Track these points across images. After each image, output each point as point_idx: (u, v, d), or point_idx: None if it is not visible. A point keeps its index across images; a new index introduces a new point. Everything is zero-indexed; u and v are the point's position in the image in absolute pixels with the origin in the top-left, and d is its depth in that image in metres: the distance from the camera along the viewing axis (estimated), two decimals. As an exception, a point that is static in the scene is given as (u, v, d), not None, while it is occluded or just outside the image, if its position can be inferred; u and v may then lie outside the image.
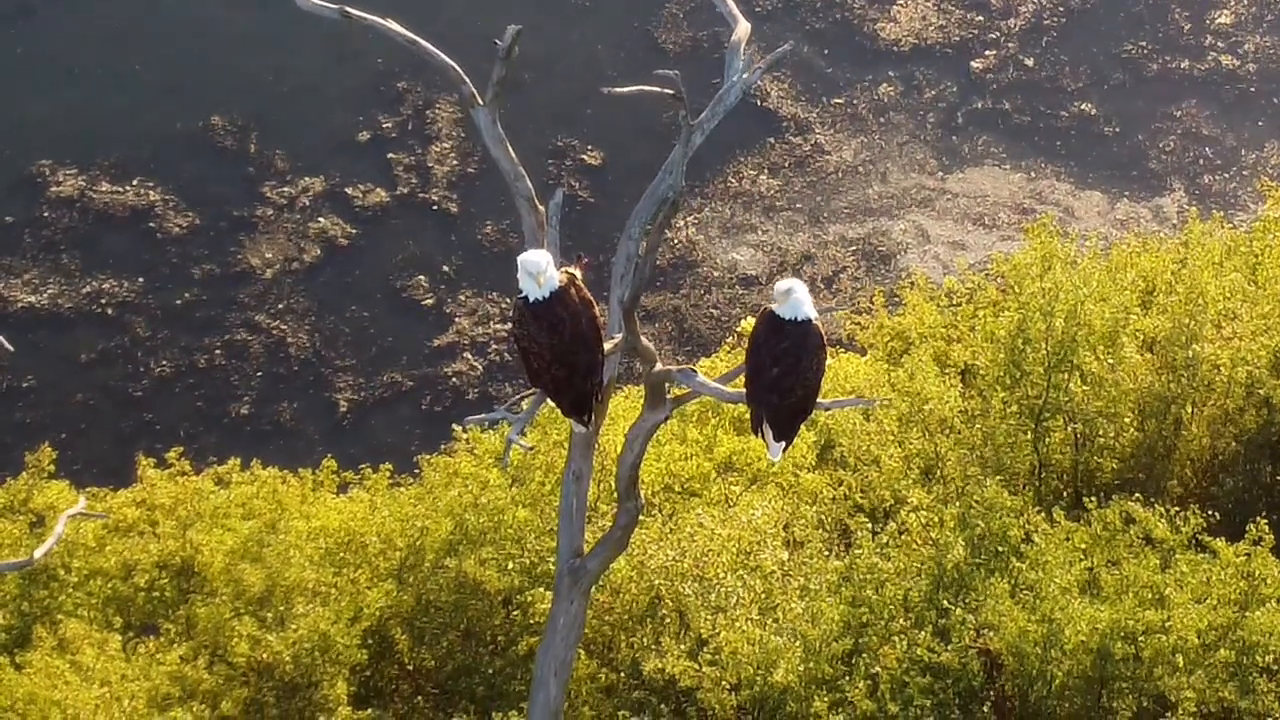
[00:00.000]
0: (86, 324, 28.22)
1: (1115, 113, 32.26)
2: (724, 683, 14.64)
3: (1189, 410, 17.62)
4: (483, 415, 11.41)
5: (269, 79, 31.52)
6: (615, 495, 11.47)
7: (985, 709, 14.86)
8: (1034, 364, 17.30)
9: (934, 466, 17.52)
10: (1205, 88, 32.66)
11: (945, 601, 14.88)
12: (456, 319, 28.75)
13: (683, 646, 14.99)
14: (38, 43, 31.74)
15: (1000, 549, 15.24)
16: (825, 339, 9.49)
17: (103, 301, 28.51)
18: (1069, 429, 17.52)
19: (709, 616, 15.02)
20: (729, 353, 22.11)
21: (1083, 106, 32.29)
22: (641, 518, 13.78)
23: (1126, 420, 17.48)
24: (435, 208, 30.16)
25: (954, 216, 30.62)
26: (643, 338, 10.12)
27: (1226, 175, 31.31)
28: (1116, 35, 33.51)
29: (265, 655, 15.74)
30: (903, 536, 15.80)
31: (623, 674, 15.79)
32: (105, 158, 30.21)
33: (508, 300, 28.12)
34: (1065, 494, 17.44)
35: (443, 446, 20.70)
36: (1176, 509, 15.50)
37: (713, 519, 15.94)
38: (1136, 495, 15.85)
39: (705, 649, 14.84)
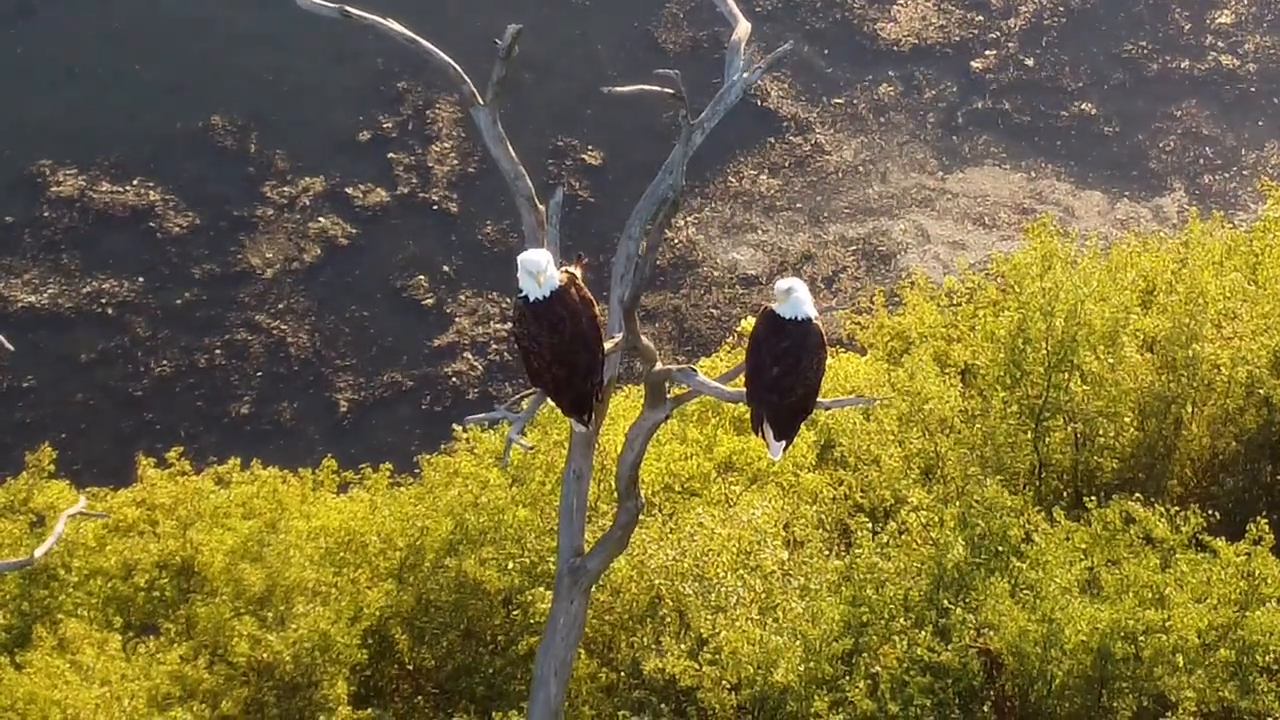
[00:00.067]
0: (86, 324, 28.23)
1: (1115, 112, 32.26)
2: (724, 682, 14.64)
3: (1189, 410, 17.62)
4: (483, 415, 11.41)
5: (269, 79, 31.52)
6: (615, 495, 11.47)
7: (985, 708, 14.86)
8: (1034, 364, 17.30)
9: (934, 466, 17.52)
10: (1205, 87, 32.66)
11: (945, 601, 14.88)
12: (457, 319, 28.75)
13: (683, 646, 14.99)
14: (38, 43, 31.75)
15: (1000, 549, 15.24)
16: (825, 338, 9.48)
17: (103, 301, 28.51)
18: (1069, 429, 17.52)
19: (709, 616, 15.02)
20: (729, 352, 22.12)
21: (1083, 106, 32.29)
22: (642, 517, 13.78)
23: (1127, 420, 17.48)
24: (435, 207, 30.16)
25: (954, 216, 30.63)
26: (643, 337, 10.11)
27: (1227, 175, 31.31)
28: (1116, 35, 33.51)
29: (265, 655, 15.74)
30: (903, 536, 15.80)
31: (623, 673, 15.79)
32: (105, 157, 30.22)
33: (508, 300, 28.12)
34: (1065, 494, 17.44)
35: (443, 446, 20.70)
36: (1177, 509, 15.51)
37: (713, 518, 15.94)
38: (1137, 495, 15.86)
39: (705, 648, 14.84)
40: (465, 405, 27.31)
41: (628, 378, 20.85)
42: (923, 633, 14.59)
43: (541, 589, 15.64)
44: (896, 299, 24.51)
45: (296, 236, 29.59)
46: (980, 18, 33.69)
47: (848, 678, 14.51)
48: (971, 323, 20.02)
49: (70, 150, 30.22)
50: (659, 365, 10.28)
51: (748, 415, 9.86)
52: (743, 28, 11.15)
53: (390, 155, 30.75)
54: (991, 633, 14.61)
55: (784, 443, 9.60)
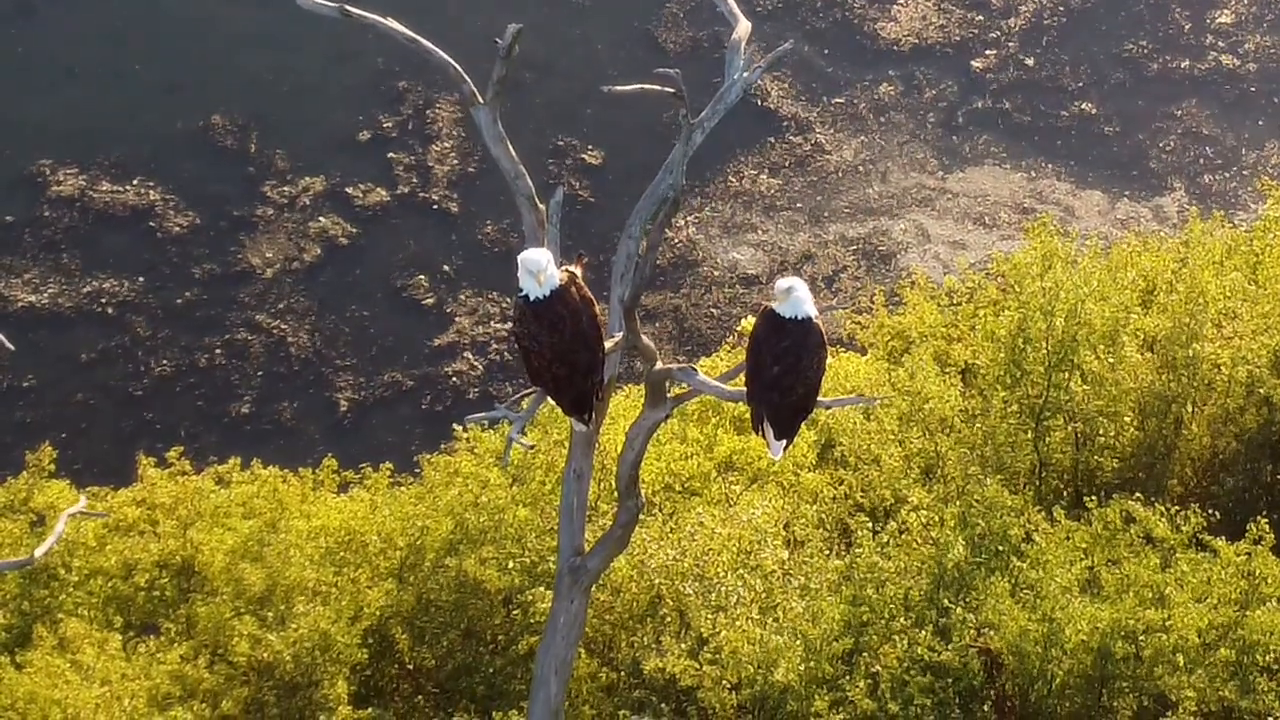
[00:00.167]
0: (87, 323, 28.23)
1: (1115, 112, 32.26)
2: (724, 682, 14.63)
3: (1189, 409, 17.62)
4: (483, 414, 11.41)
5: (269, 79, 31.52)
6: (616, 494, 11.47)
7: (986, 708, 14.86)
8: (1034, 363, 17.30)
9: (934, 466, 17.52)
10: (1205, 87, 32.66)
11: (946, 601, 14.88)
12: (457, 318, 28.76)
13: (683, 645, 14.98)
14: (38, 43, 31.75)
15: (1001, 548, 15.24)
16: (826, 338, 9.48)
17: (103, 301, 28.51)
18: (1069, 428, 17.52)
19: (709, 615, 15.02)
20: (729, 352, 22.12)
21: (1083, 106, 32.29)
22: (642, 517, 13.78)
23: (1127, 419, 17.48)
24: (435, 207, 30.16)
25: (954, 216, 30.63)
26: (643, 336, 10.12)
27: (1227, 175, 31.32)
28: (1117, 35, 33.51)
29: (266, 654, 15.74)
30: (903, 536, 15.80)
31: (623, 673, 15.79)
32: (105, 157, 30.22)
33: (508, 299, 28.12)
34: (1065, 493, 17.45)
35: (443, 446, 20.70)
36: (1177, 508, 15.51)
37: (713, 518, 15.93)
38: (1137, 494, 15.86)
39: (706, 648, 14.84)
40: (465, 405, 27.31)
41: (628, 377, 20.85)
42: (923, 632, 14.58)
43: (542, 588, 15.64)
44: (897, 298, 24.52)
45: (296, 236, 29.59)
46: (980, 17, 33.69)
47: (848, 677, 14.50)
48: (972, 322, 20.03)
49: (70, 150, 30.22)
50: (659, 364, 10.29)
51: (748, 414, 9.86)
52: (743, 27, 11.15)
53: (390, 155, 30.75)
54: (992, 632, 14.61)
55: (784, 442, 9.60)
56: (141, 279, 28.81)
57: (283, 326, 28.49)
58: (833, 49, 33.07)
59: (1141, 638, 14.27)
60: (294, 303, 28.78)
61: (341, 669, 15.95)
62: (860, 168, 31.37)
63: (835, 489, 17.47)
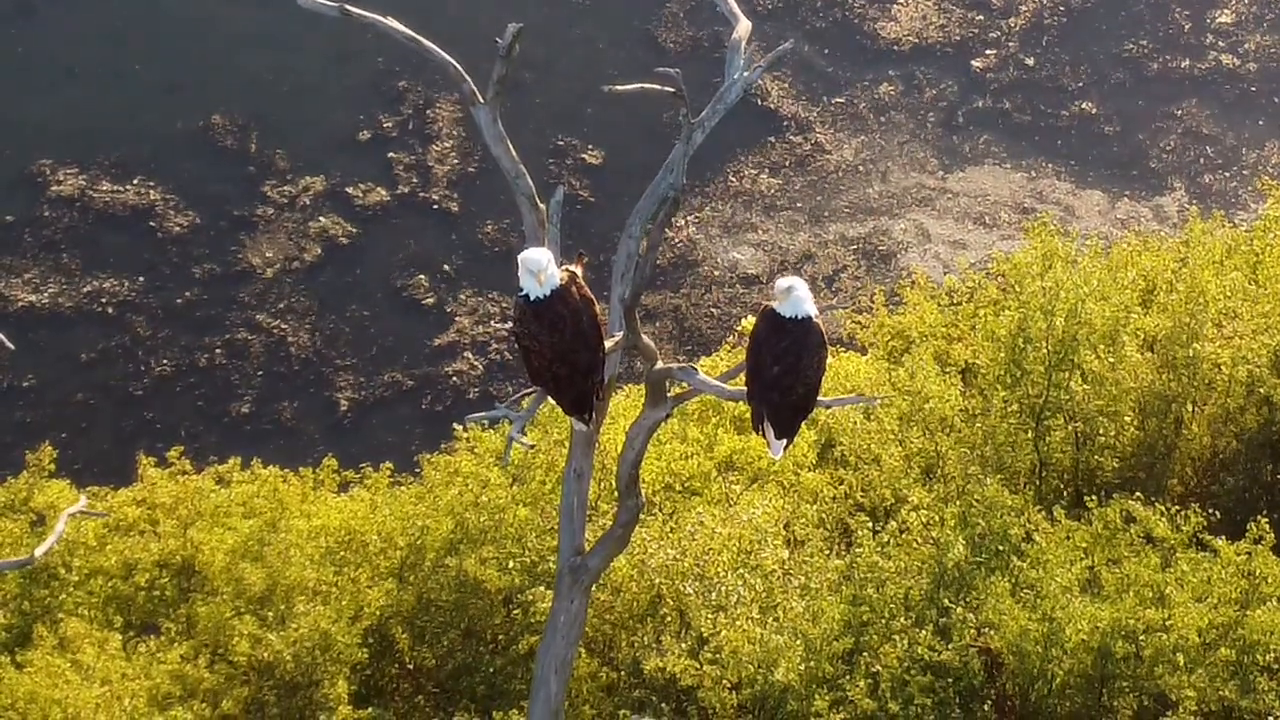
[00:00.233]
0: (87, 323, 28.23)
1: (1116, 112, 32.26)
2: (725, 681, 14.63)
3: (1190, 409, 17.62)
4: (483, 414, 11.43)
5: (269, 79, 31.52)
6: (616, 494, 11.47)
7: (986, 708, 14.86)
8: (1034, 363, 17.30)
9: (935, 465, 17.52)
10: (1206, 87, 32.66)
11: (946, 600, 14.88)
12: (457, 318, 28.76)
13: (683, 645, 14.98)
14: (38, 43, 31.74)
15: (1001, 548, 15.23)
16: (826, 337, 9.48)
17: (103, 300, 28.51)
18: (1069, 428, 17.52)
19: (710, 615, 15.02)
20: (730, 351, 22.11)
21: (1083, 106, 32.29)
22: (642, 516, 13.78)
23: (1127, 419, 17.48)
24: (436, 207, 30.16)
25: (954, 215, 30.63)
26: (643, 336, 10.12)
27: (1227, 174, 31.32)
28: (1117, 35, 33.51)
29: (266, 654, 15.73)
30: (903, 535, 15.79)
31: (623, 672, 15.78)
32: (106, 157, 30.22)
33: (508, 299, 28.12)
34: (1066, 493, 17.44)
35: (443, 445, 20.70)
36: (1177, 508, 15.50)
37: (713, 518, 15.93)
38: (1137, 494, 15.86)
39: (706, 648, 14.83)
40: (466, 404, 27.31)
41: (628, 377, 20.86)
42: (923, 632, 14.58)
43: (542, 588, 15.64)
44: (897, 298, 24.51)
45: (297, 236, 29.59)
46: (981, 17, 33.69)
47: (848, 677, 14.50)
48: (972, 322, 20.02)
49: (70, 150, 30.22)
50: (659, 364, 10.29)
51: (748, 414, 9.86)
52: (743, 27, 11.16)
53: (390, 155, 30.75)
54: (992, 632, 14.61)
55: (784, 441, 9.60)
56: (141, 279, 28.81)
57: (283, 326, 28.49)
58: (833, 49, 33.07)
59: (1142, 637, 14.27)
60: (294, 302, 28.78)
61: (342, 669, 15.95)
62: (860, 167, 31.37)
63: (835, 489, 17.47)
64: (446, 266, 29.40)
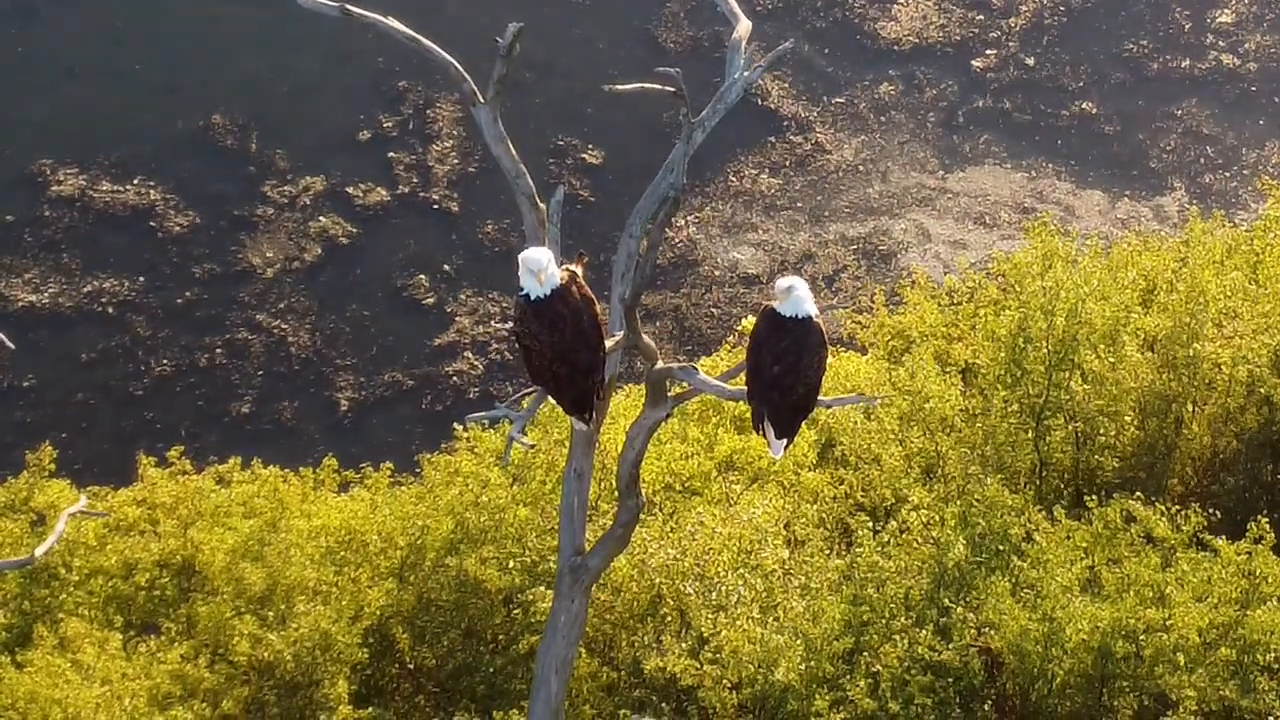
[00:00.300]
0: (87, 323, 28.23)
1: (1116, 112, 32.26)
2: (725, 681, 14.63)
3: (1190, 409, 17.62)
4: (484, 413, 11.43)
5: (269, 78, 31.52)
6: (616, 493, 11.47)
7: (986, 707, 14.86)
8: (1035, 362, 17.30)
9: (935, 465, 17.52)
10: (1206, 87, 32.66)
11: (946, 600, 14.88)
12: (457, 318, 28.75)
13: (684, 645, 14.98)
14: (38, 43, 31.74)
15: (1001, 548, 15.23)
16: (826, 337, 9.48)
17: (103, 300, 28.51)
18: (1070, 427, 17.52)
19: (710, 615, 15.02)
20: (730, 351, 22.11)
21: (1083, 105, 32.29)
22: (642, 516, 13.78)
23: (1127, 419, 17.48)
24: (436, 207, 30.16)
25: (955, 215, 30.63)
26: (644, 335, 10.12)
27: (1227, 174, 31.31)
28: (1117, 34, 33.51)
29: (266, 654, 15.73)
30: (904, 535, 15.79)
31: (624, 672, 15.78)
32: (106, 157, 30.22)
33: (509, 299, 28.11)
34: (1066, 492, 17.44)
35: (443, 445, 20.70)
36: (1177, 507, 15.50)
37: (714, 517, 15.93)
38: (1137, 494, 15.85)
39: (706, 647, 14.83)
40: (466, 404, 27.31)
41: (628, 376, 20.86)
42: (924, 631, 14.58)
43: (542, 588, 15.65)
44: (897, 298, 24.51)
45: (297, 236, 29.59)
46: (981, 17, 33.68)
47: (849, 677, 14.50)
48: (972, 322, 20.02)
49: (70, 149, 30.22)
50: (660, 363, 10.29)
51: (748, 414, 9.86)
52: (743, 26, 11.16)
53: (391, 154, 30.75)
54: (992, 631, 14.61)
55: (785, 441, 9.60)
56: (142, 279, 28.81)
57: (283, 326, 28.49)
58: (833, 48, 33.07)
59: (1142, 637, 14.27)
60: (294, 302, 28.78)
61: (342, 668, 15.95)
62: (860, 167, 31.37)
63: (836, 488, 17.47)
64: (447, 266, 29.40)
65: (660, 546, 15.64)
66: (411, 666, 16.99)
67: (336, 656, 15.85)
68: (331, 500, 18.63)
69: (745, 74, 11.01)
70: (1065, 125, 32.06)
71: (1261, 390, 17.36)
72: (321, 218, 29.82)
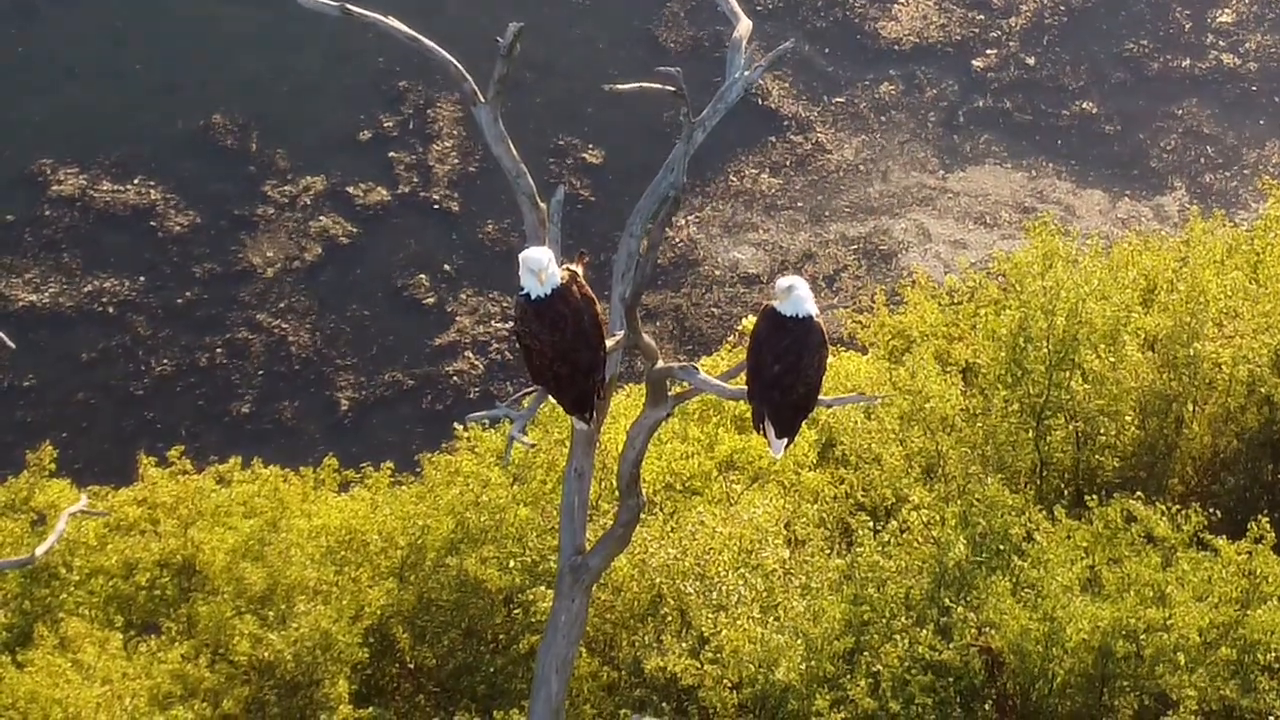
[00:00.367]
0: (87, 323, 28.23)
1: (1116, 111, 32.26)
2: (725, 681, 14.63)
3: (1190, 408, 17.61)
4: (484, 413, 11.42)
5: (269, 78, 31.53)
6: (617, 493, 11.47)
7: (987, 707, 14.86)
8: (1035, 362, 17.30)
9: (935, 465, 17.52)
10: (1206, 86, 32.67)
11: (947, 600, 14.88)
12: (458, 318, 28.76)
13: (684, 645, 14.98)
14: (38, 43, 31.75)
15: (1001, 547, 15.23)
16: (826, 336, 9.47)
17: (104, 300, 28.51)
18: (1070, 427, 17.52)
19: (710, 615, 15.02)
20: (730, 351, 22.12)
21: (1084, 105, 32.29)
22: (643, 516, 13.77)
23: (1128, 418, 17.48)
24: (436, 206, 30.16)
25: (955, 215, 30.63)
26: (644, 335, 10.12)
27: (1228, 174, 31.31)
28: (1117, 34, 33.51)
29: (266, 654, 15.73)
30: (904, 535, 15.79)
31: (624, 672, 15.78)
32: (106, 156, 30.23)
33: (509, 299, 28.12)
34: (1066, 492, 17.44)
35: (444, 445, 20.71)
36: (1178, 507, 15.50)
37: (714, 517, 15.93)
38: (1138, 493, 15.85)
39: (707, 647, 14.83)
40: (466, 404, 27.32)
41: (629, 376, 20.86)
42: (924, 631, 14.58)
43: (543, 587, 15.64)
44: (898, 298, 24.52)
45: (297, 235, 29.59)
46: (981, 17, 33.68)
47: (849, 676, 14.50)
48: (973, 321, 20.02)
49: (71, 149, 30.23)
50: (660, 363, 10.29)
51: (749, 413, 9.86)
52: (744, 26, 11.16)
53: (391, 154, 30.75)
54: (993, 631, 14.61)
55: (785, 440, 9.59)
56: (142, 278, 28.81)
57: (283, 326, 28.49)
58: (833, 48, 33.07)
59: (1142, 636, 14.27)
60: (295, 302, 28.79)
61: (342, 668, 15.94)
62: (861, 167, 31.37)
63: (836, 488, 17.47)
64: (447, 266, 29.40)
65: (661, 546, 15.64)
66: (412, 666, 16.99)
67: (337, 656, 15.84)
68: (332, 500, 18.63)
69: (746, 74, 11.00)
70: (1065, 125, 32.06)
71: (1262, 390, 17.35)
72: (322, 217, 29.82)
